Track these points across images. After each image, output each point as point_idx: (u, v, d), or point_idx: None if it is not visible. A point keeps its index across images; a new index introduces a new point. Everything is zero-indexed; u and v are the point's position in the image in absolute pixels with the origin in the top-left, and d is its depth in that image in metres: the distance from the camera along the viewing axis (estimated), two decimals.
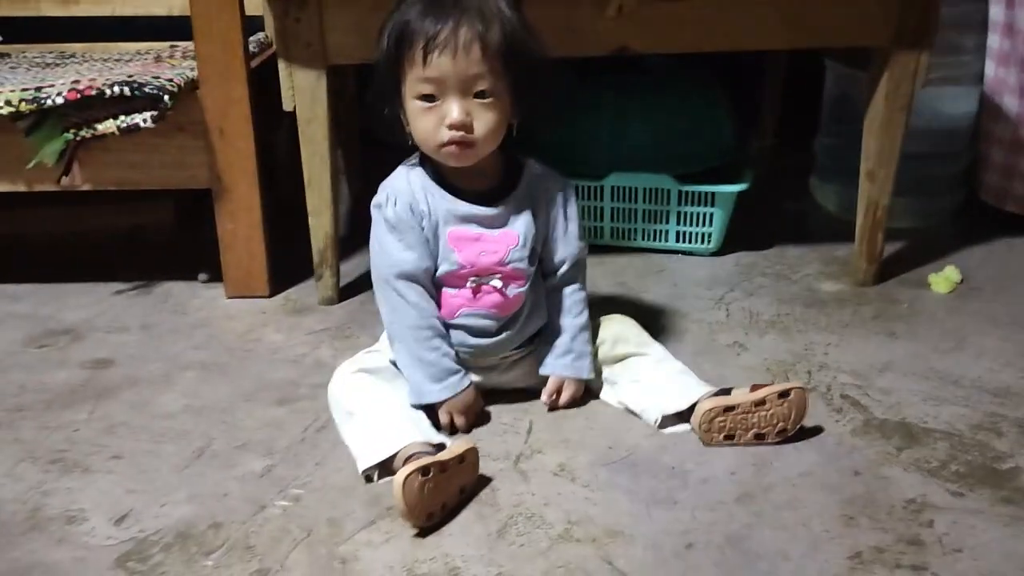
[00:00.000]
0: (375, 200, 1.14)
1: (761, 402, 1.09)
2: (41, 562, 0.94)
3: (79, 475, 1.07)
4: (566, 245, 1.18)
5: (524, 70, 1.06)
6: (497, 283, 1.13)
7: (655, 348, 1.22)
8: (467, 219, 1.11)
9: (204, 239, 1.53)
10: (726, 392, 1.13)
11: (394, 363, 1.17)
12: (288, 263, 1.55)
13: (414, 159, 1.15)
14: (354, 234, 1.79)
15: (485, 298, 1.14)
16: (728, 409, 1.10)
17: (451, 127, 1.04)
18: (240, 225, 1.48)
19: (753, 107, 1.92)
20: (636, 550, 0.94)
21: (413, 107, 1.05)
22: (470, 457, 1.01)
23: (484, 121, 1.05)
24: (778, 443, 1.10)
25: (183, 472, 1.08)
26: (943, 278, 1.51)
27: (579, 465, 1.07)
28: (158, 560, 0.94)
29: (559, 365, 1.18)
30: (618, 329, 1.23)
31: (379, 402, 1.10)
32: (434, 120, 1.05)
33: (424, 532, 0.96)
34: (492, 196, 1.12)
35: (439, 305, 1.15)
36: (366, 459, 1.04)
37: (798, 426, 1.11)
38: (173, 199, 1.70)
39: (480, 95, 1.04)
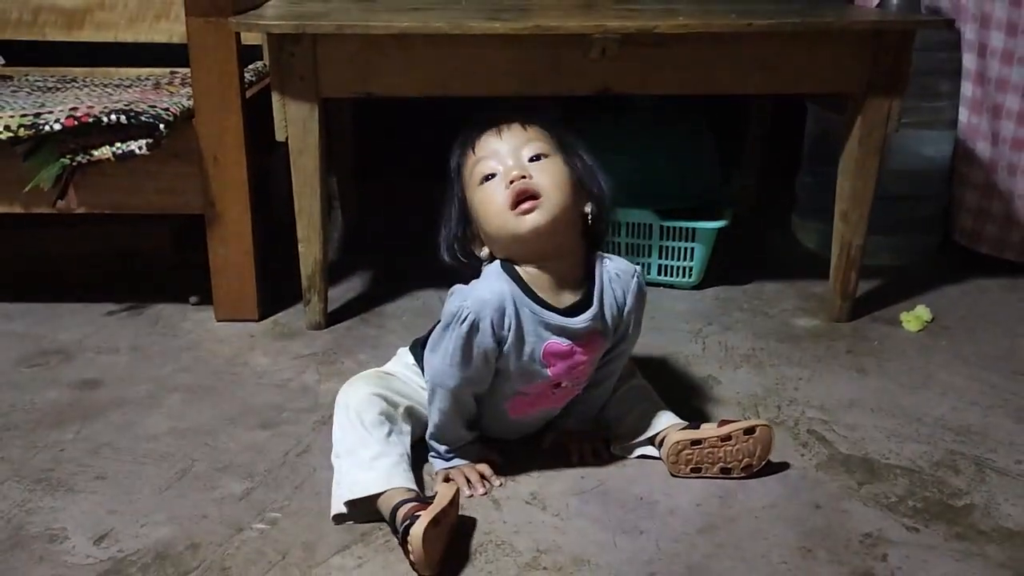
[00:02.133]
0: (454, 308, 1.05)
1: (727, 437, 1.13)
2: None
3: (63, 494, 1.10)
4: (627, 341, 1.16)
5: (577, 155, 1.10)
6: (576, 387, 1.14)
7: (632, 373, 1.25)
8: (559, 332, 1.07)
9: (197, 263, 1.57)
10: (695, 426, 1.16)
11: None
12: (279, 287, 1.59)
13: (495, 273, 1.09)
14: (345, 261, 1.83)
15: (559, 394, 1.14)
16: (695, 443, 1.13)
17: (512, 180, 1.04)
18: (231, 250, 1.52)
19: (737, 146, 1.97)
20: None
21: (479, 196, 1.07)
22: (456, 499, 1.03)
23: (546, 175, 1.05)
24: (744, 477, 1.13)
25: (164, 493, 1.11)
26: (914, 316, 1.55)
27: (551, 494, 1.11)
28: None
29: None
30: None
31: (377, 437, 1.09)
32: (498, 190, 1.05)
33: (396, 559, 0.99)
34: (579, 307, 1.09)
35: (508, 408, 1.14)
36: (353, 490, 1.04)
37: (763, 462, 1.14)
38: (168, 224, 1.74)
39: (535, 159, 1.07)
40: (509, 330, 1.05)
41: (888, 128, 1.45)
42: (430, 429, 1.14)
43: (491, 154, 1.08)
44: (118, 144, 1.41)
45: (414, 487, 1.05)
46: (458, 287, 1.09)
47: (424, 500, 1.01)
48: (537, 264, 1.08)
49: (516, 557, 1.00)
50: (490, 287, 1.06)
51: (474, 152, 1.09)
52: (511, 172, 1.05)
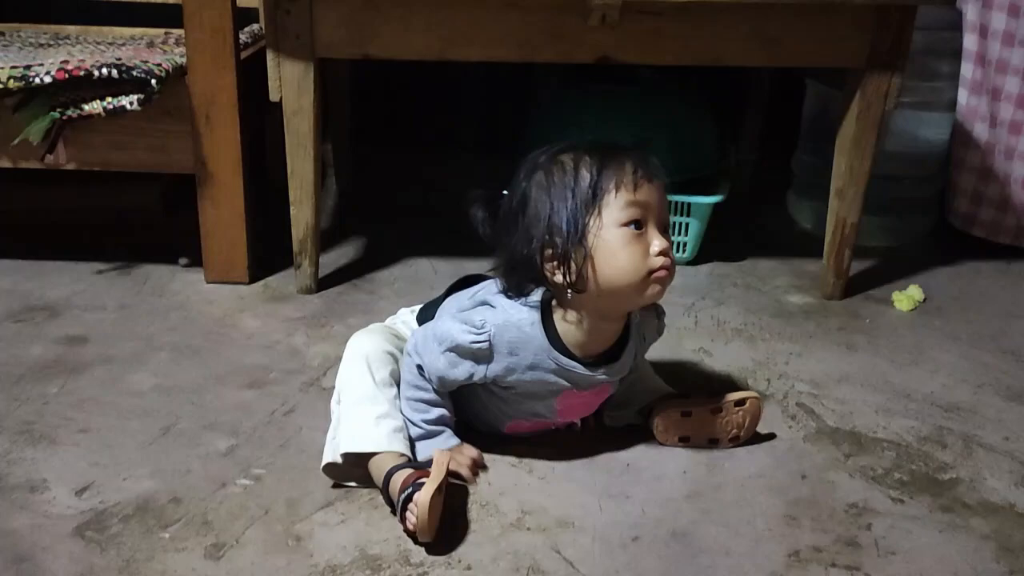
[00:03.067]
0: (464, 331, 1.01)
1: (718, 409, 1.12)
2: (0, 528, 0.96)
3: (45, 446, 1.09)
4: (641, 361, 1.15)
5: None
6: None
7: None
8: (578, 383, 1.04)
9: (187, 224, 1.55)
10: (685, 396, 1.15)
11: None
12: (271, 251, 1.57)
13: (524, 308, 1.01)
14: (338, 227, 1.82)
15: (561, 423, 1.13)
16: (685, 414, 1.13)
17: (664, 252, 0.98)
18: (222, 212, 1.51)
19: (736, 122, 1.96)
20: (584, 540, 0.97)
21: (616, 237, 0.96)
22: (449, 466, 1.01)
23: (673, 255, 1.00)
24: (731, 447, 1.13)
25: (147, 448, 1.10)
26: (906, 296, 1.54)
27: (537, 458, 1.10)
28: (116, 531, 0.96)
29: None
30: None
31: (387, 396, 1.06)
32: (641, 250, 0.97)
33: (380, 517, 0.99)
34: (605, 358, 1.04)
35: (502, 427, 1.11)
36: (354, 444, 1.02)
37: (751, 433, 1.14)
38: (159, 183, 1.72)
39: (666, 232, 1.00)
40: (516, 374, 1.02)
41: (887, 105, 1.44)
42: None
43: (645, 203, 0.97)
44: (109, 99, 1.39)
45: (409, 455, 1.03)
46: (470, 311, 1.02)
47: (418, 466, 0.99)
48: (593, 320, 1.01)
49: (500, 518, 1.00)
50: (522, 323, 1.00)
51: (631, 192, 0.97)
52: (663, 240, 0.98)
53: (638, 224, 0.97)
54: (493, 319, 1.01)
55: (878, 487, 1.07)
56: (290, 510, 1.00)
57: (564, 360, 1.02)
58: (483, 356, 1.02)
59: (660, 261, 0.98)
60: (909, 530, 1.00)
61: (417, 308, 1.19)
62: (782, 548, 0.96)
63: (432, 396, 1.06)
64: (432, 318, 1.12)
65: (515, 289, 1.02)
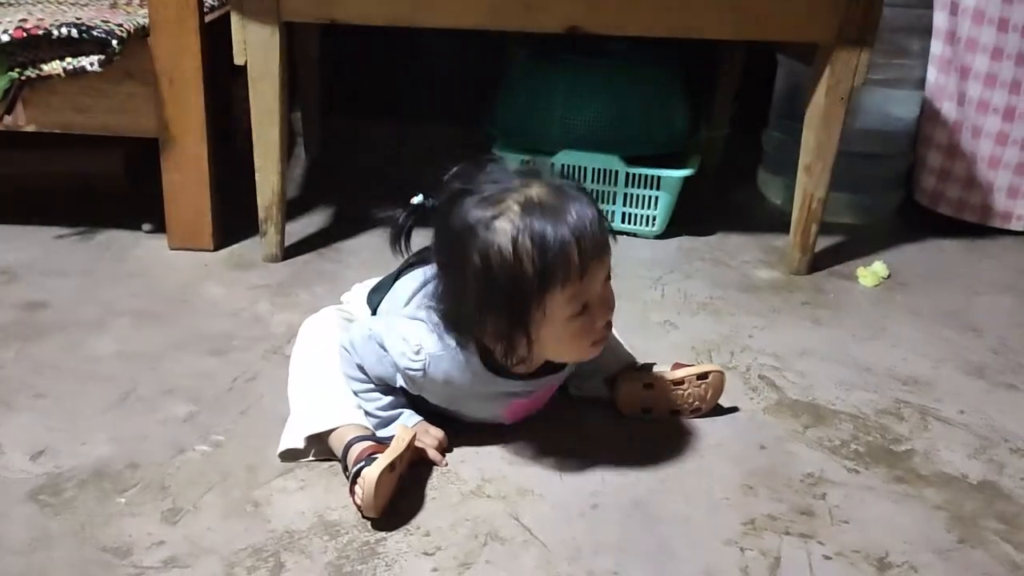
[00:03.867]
0: (400, 352, 0.98)
1: (680, 382, 1.13)
2: None
3: (1, 411, 1.08)
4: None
5: None
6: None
7: None
8: (524, 394, 1.04)
9: (151, 189, 1.53)
10: (648, 368, 1.16)
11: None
12: (237, 218, 1.55)
13: (451, 356, 0.98)
14: (306, 197, 1.80)
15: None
16: (647, 386, 1.13)
17: (606, 327, 0.95)
18: (186, 177, 1.48)
19: (707, 97, 1.95)
20: (544, 508, 0.97)
21: (560, 326, 0.93)
22: (412, 443, 1.00)
23: (611, 296, 0.96)
24: (692, 419, 1.14)
25: (106, 414, 1.09)
26: (871, 272, 1.56)
27: (500, 426, 1.10)
28: (71, 495, 0.95)
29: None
30: None
31: (332, 372, 1.05)
32: (585, 330, 0.94)
33: (339, 484, 0.99)
34: (549, 368, 1.03)
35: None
36: (312, 425, 1.01)
37: (713, 406, 1.14)
38: (122, 147, 1.69)
39: (607, 277, 0.95)
40: (453, 403, 1.03)
41: (855, 81, 1.44)
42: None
43: (590, 288, 0.92)
44: (69, 59, 1.36)
45: (371, 428, 1.03)
46: (412, 323, 0.98)
47: (379, 441, 0.99)
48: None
49: (461, 485, 1.00)
50: (456, 359, 0.97)
51: (577, 283, 0.91)
52: (606, 314, 0.94)
53: (584, 308, 0.93)
54: (430, 347, 0.97)
55: (835, 458, 1.08)
56: (249, 476, 1.00)
57: (504, 382, 1.00)
58: (416, 380, 1.00)
59: (600, 335, 0.95)
60: (863, 500, 1.01)
61: (371, 283, 1.19)
62: (738, 516, 0.97)
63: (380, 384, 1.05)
64: (382, 300, 1.12)
65: (451, 334, 0.98)
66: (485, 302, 0.92)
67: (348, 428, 1.00)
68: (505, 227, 0.90)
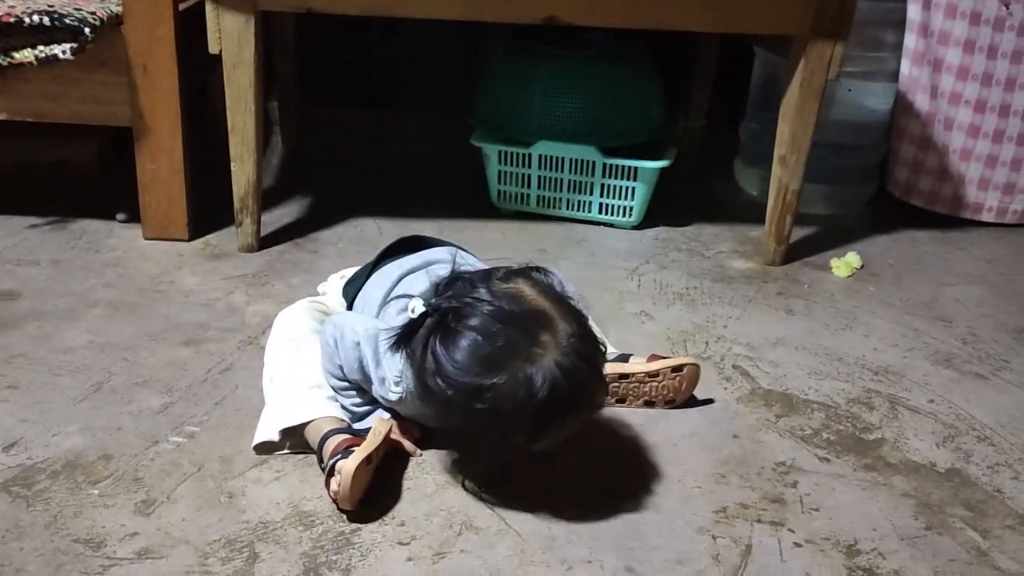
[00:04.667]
0: (381, 375, 0.99)
1: (655, 374, 1.14)
2: None
3: None
4: None
5: None
6: None
7: None
8: None
9: (126, 179, 1.52)
10: (624, 359, 1.17)
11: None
12: (213, 208, 1.55)
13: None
14: (282, 187, 1.79)
15: None
16: (623, 376, 1.14)
17: None
18: (161, 166, 1.47)
19: (685, 88, 1.96)
20: (518, 498, 0.98)
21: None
22: (389, 436, 1.00)
23: None
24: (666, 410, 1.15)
25: (78, 405, 1.08)
26: (844, 263, 1.57)
27: None
28: (43, 486, 0.95)
29: None
30: None
31: (315, 368, 1.05)
32: None
33: (314, 474, 0.99)
34: None
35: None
36: (287, 418, 1.01)
37: (687, 398, 1.15)
38: (96, 136, 1.68)
39: None
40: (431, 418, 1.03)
41: (830, 73, 1.45)
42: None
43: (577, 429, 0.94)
44: (41, 47, 1.35)
45: (347, 420, 1.03)
46: (393, 335, 0.94)
47: (355, 433, 0.99)
48: None
49: (436, 476, 1.01)
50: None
51: (567, 432, 0.93)
52: None
53: None
54: (410, 380, 0.95)
55: (806, 447, 1.09)
56: (224, 467, 1.00)
57: None
58: (392, 402, 1.00)
59: None
60: (833, 488, 1.02)
61: (348, 273, 1.18)
62: (710, 505, 0.99)
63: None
64: (358, 292, 1.12)
65: None
66: (471, 429, 0.93)
67: (324, 420, 1.00)
68: (499, 376, 0.87)
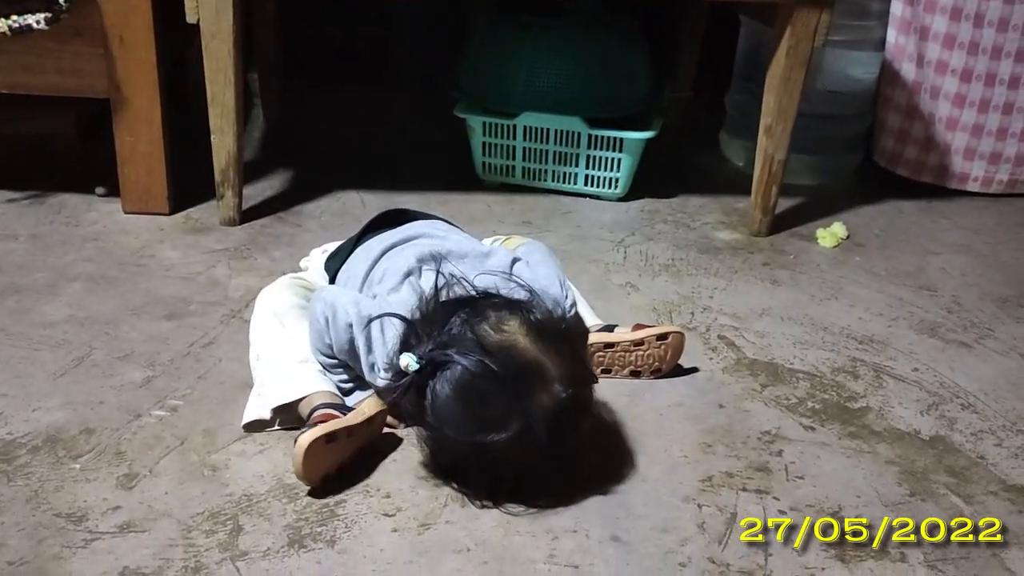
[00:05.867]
0: (374, 363, 0.99)
1: (640, 343, 1.13)
2: None
3: None
4: None
5: None
6: None
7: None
8: None
9: (105, 152, 1.49)
10: (609, 329, 1.16)
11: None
12: (194, 182, 1.52)
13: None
14: (264, 160, 1.77)
15: None
16: (608, 346, 1.14)
17: None
18: (139, 139, 1.45)
19: (670, 59, 1.94)
20: None
21: None
22: (379, 419, 0.98)
23: None
24: (652, 379, 1.14)
25: (59, 379, 1.07)
26: (830, 233, 1.57)
27: None
28: (24, 461, 0.94)
29: None
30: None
31: (302, 343, 1.04)
32: None
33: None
34: None
35: None
36: (281, 395, 1.00)
37: (673, 366, 1.15)
38: (73, 109, 1.65)
39: None
40: None
41: (815, 41, 1.44)
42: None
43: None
44: (14, 17, 1.32)
45: (340, 396, 1.02)
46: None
47: (344, 409, 0.97)
48: None
49: (422, 447, 1.00)
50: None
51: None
52: None
53: None
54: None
55: (791, 415, 1.10)
56: (207, 440, 0.99)
57: None
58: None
59: None
60: (818, 456, 1.03)
61: (330, 247, 1.17)
62: (696, 474, 0.99)
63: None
64: (340, 267, 1.10)
65: None
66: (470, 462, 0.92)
67: (317, 395, 0.99)
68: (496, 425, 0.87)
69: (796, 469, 1.00)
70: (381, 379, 0.97)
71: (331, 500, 0.92)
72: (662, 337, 1.14)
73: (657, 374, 1.15)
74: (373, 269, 1.07)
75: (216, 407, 1.04)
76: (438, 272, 0.97)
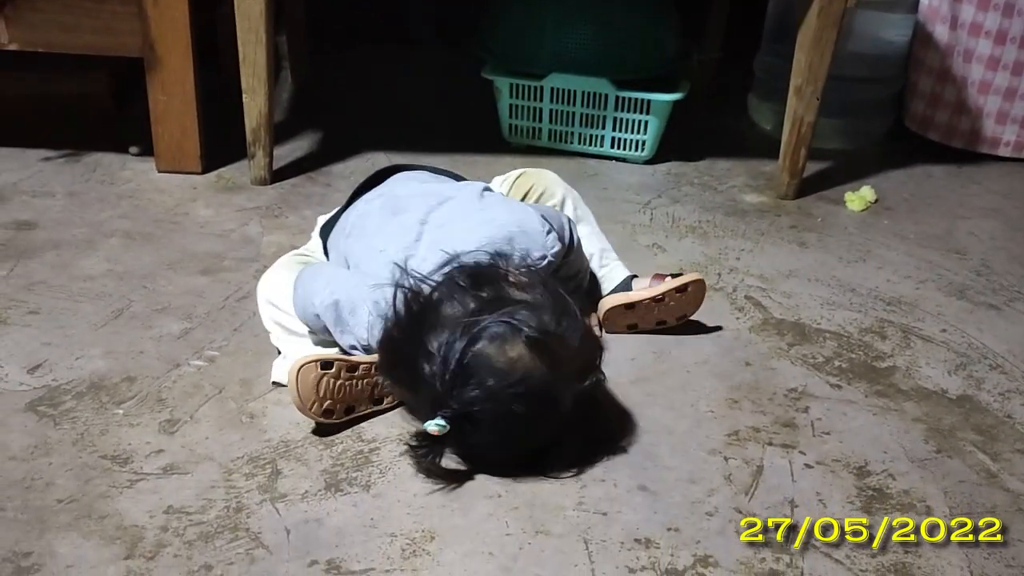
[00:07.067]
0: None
1: (660, 298, 1.14)
2: None
3: None
4: None
5: None
6: None
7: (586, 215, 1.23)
8: None
9: (139, 112, 1.51)
10: (628, 283, 1.17)
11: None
12: (225, 142, 1.54)
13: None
14: (294, 121, 1.78)
15: None
16: (629, 307, 1.14)
17: None
18: (173, 98, 1.47)
19: (699, 20, 1.93)
20: None
21: None
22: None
23: None
24: (678, 326, 1.15)
25: (100, 330, 1.10)
26: (858, 197, 1.57)
27: None
28: (69, 406, 0.97)
29: None
30: (545, 184, 1.21)
31: (291, 321, 1.05)
32: None
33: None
34: None
35: None
36: (277, 375, 1.02)
37: (696, 310, 1.15)
38: (107, 69, 1.67)
39: None
40: None
41: (848, 1, 1.42)
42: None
43: None
44: None
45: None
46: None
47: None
48: None
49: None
50: None
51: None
52: None
53: None
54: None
55: (818, 374, 1.11)
56: (244, 389, 1.01)
57: None
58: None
59: None
60: (844, 413, 1.04)
61: (322, 219, 1.19)
62: (722, 428, 1.00)
63: None
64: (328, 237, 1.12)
65: None
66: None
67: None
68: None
69: (822, 425, 1.01)
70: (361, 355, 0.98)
71: (366, 448, 0.94)
72: (681, 290, 1.13)
73: (683, 320, 1.16)
74: (347, 250, 1.08)
75: (251, 358, 1.07)
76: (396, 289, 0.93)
